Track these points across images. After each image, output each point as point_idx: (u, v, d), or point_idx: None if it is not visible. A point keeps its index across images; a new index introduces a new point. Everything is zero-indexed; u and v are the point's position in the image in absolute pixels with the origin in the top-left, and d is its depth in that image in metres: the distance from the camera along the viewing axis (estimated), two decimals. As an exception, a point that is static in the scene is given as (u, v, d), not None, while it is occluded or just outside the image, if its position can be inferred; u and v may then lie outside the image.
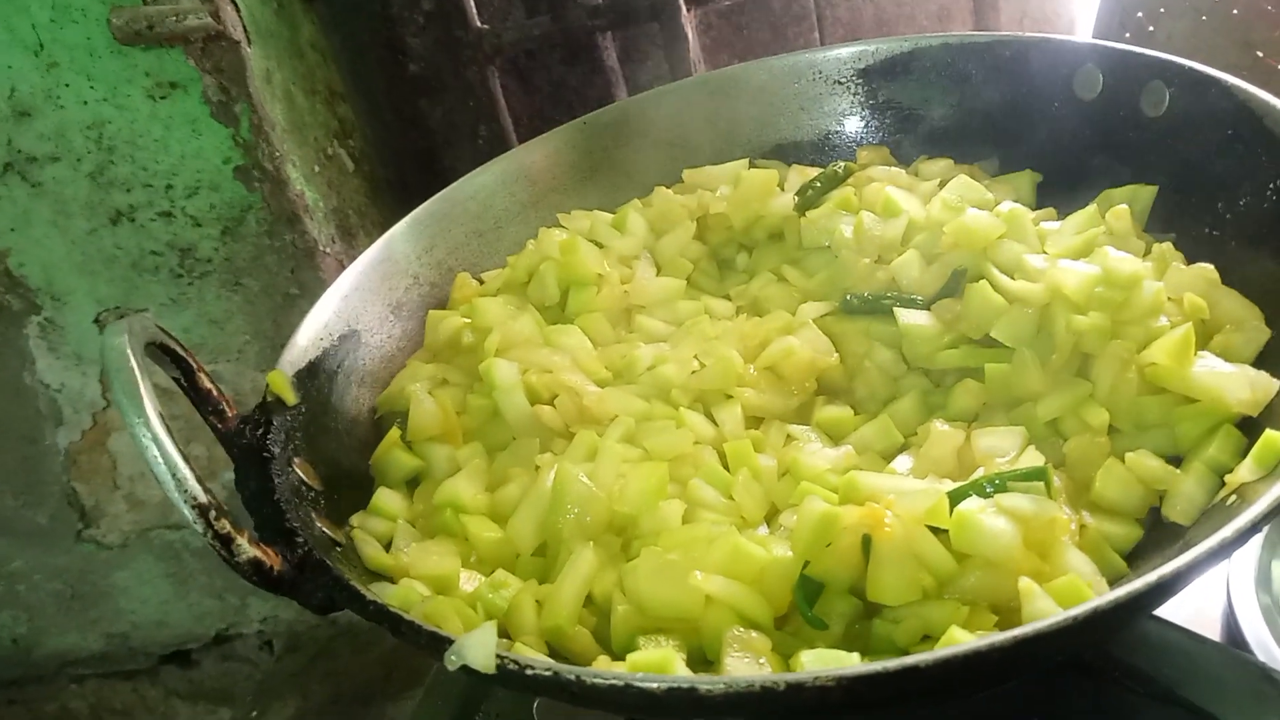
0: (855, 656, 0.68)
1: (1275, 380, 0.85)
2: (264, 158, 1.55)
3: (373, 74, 1.78)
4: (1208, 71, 1.03)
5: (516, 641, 0.80)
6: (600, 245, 1.21)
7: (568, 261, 1.15)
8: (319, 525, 0.86)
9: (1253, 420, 0.85)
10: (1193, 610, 0.95)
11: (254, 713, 1.81)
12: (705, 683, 0.62)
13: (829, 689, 0.61)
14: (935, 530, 0.79)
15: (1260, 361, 0.90)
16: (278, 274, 1.62)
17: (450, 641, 0.69)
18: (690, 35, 1.71)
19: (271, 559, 0.77)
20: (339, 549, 0.86)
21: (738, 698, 0.62)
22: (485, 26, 1.74)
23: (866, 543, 0.79)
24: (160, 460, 0.73)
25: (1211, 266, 0.95)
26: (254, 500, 0.87)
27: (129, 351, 0.77)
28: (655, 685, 0.63)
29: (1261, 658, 0.88)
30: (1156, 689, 0.86)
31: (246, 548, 0.75)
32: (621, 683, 0.63)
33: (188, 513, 0.73)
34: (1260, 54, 1.58)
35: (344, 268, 1.16)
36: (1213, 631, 0.96)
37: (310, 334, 1.05)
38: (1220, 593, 0.96)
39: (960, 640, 0.69)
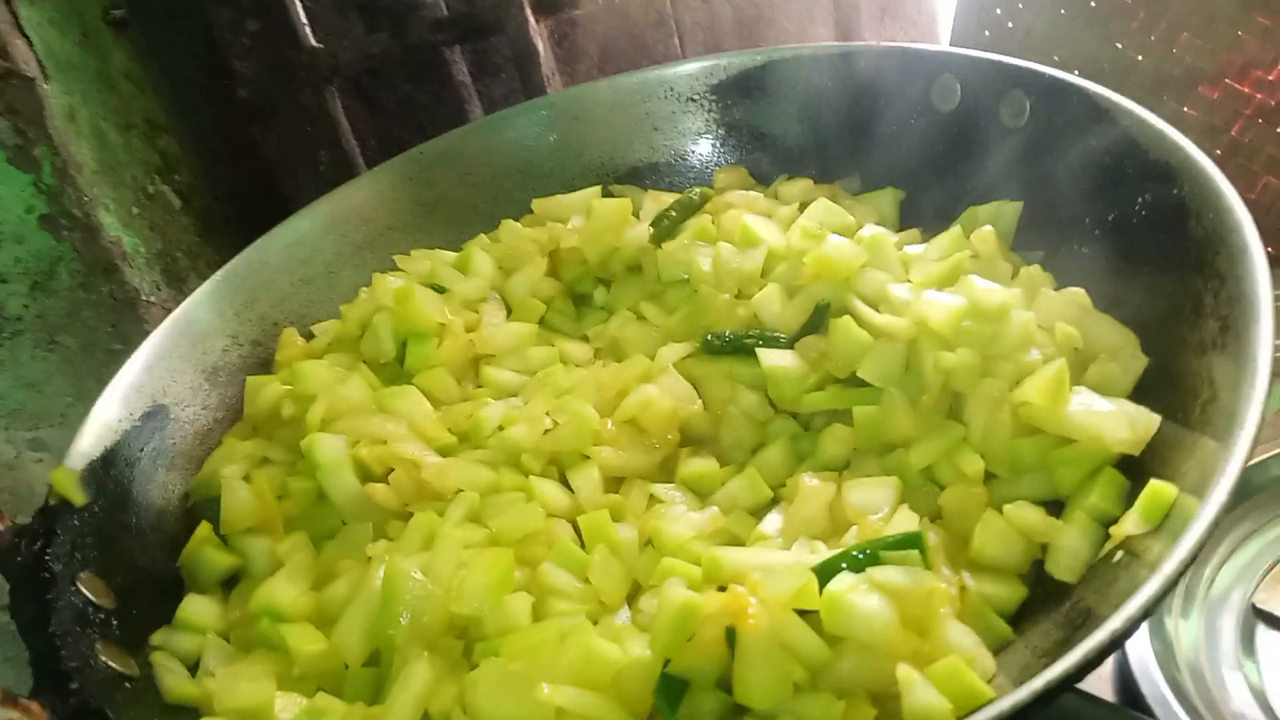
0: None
1: (1155, 416, 0.79)
2: (71, 204, 1.39)
3: (198, 102, 1.64)
4: (1068, 79, 0.98)
5: (341, 780, 0.69)
6: (442, 289, 1.11)
7: (403, 311, 1.04)
8: (104, 659, 0.74)
9: (1133, 459, 0.80)
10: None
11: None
12: None
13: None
14: (803, 612, 0.71)
15: (1138, 392, 0.84)
16: (97, 329, 1.46)
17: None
18: (541, 48, 1.61)
19: (35, 717, 0.65)
20: (130, 685, 0.74)
21: None
22: (319, 45, 1.61)
23: (730, 634, 0.70)
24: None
25: (1082, 291, 0.90)
26: (29, 631, 0.75)
27: None
28: None
29: (1161, 715, 0.83)
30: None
31: (-1, 710, 0.63)
32: None
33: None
34: (1119, 45, 1.56)
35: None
36: (1104, 688, 0.90)
37: (105, 418, 0.93)
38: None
39: (836, 753, 0.61)
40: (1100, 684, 0.89)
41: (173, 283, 1.53)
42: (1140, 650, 0.86)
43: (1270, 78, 1.46)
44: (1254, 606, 0.93)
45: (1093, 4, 1.55)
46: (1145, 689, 0.83)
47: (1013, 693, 0.59)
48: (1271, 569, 0.97)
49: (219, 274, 1.10)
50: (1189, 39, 1.53)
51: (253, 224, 1.54)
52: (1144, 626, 0.89)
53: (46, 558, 0.79)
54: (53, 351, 1.49)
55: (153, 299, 1.48)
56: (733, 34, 1.76)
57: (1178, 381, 0.81)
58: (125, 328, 1.48)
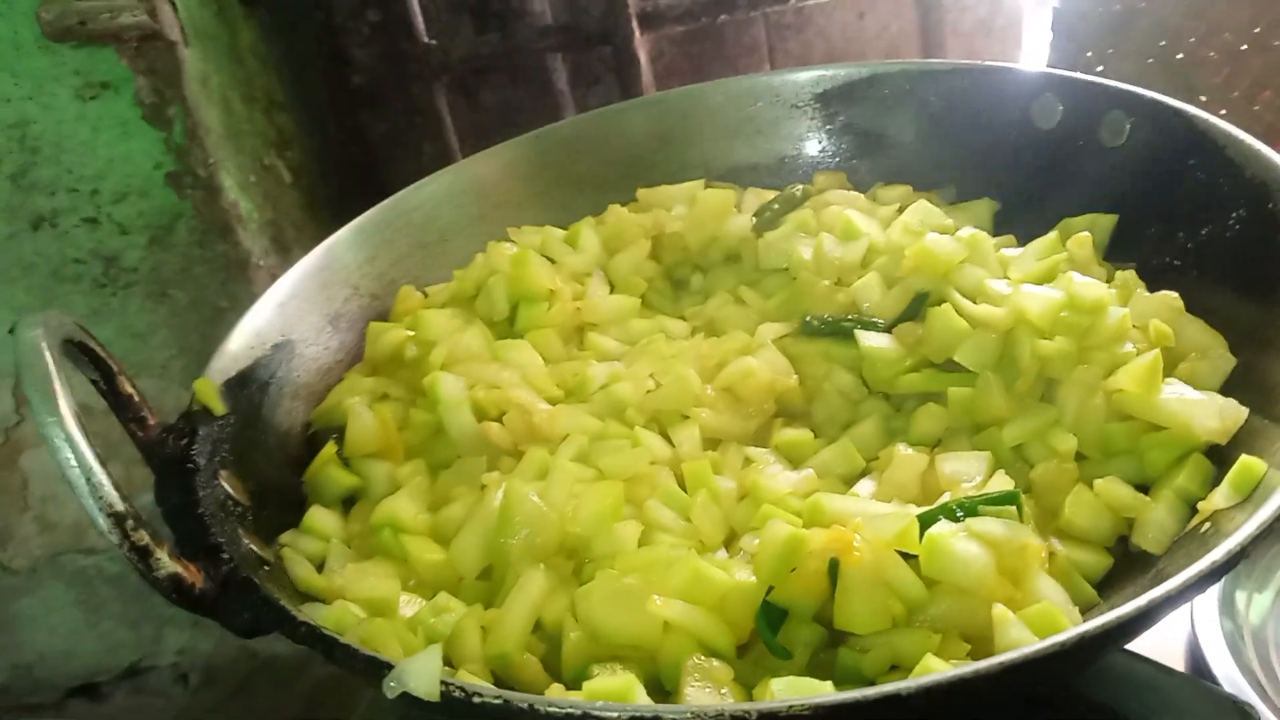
0: (828, 685, 0.64)
1: (1243, 408, 0.84)
2: (197, 164, 1.48)
3: (314, 85, 1.73)
4: (1169, 102, 1.03)
5: (460, 670, 0.74)
6: (552, 261, 1.17)
7: (518, 275, 1.11)
8: (246, 541, 0.80)
9: (1220, 449, 0.84)
10: (1155, 640, 0.92)
11: (165, 751, 1.70)
12: (671, 712, 0.57)
13: (803, 718, 0.57)
14: (904, 556, 0.75)
15: (1225, 391, 0.88)
16: (207, 286, 1.54)
17: (390, 666, 0.63)
18: (642, 60, 1.69)
19: (193, 575, 0.71)
20: (266, 568, 0.80)
21: (705, 728, 0.57)
22: (433, 41, 1.70)
23: (832, 568, 0.75)
24: (74, 463, 0.66)
25: (1175, 294, 0.94)
26: (175, 515, 0.81)
27: (43, 345, 0.71)
28: (616, 715, 0.58)
29: (1227, 688, 0.86)
30: (1123, 724, 0.83)
31: (167, 562, 0.69)
32: (579, 712, 0.58)
33: (102, 521, 0.66)
34: (1203, 99, 1.61)
35: (277, 281, 1.10)
36: (1176, 661, 0.93)
37: (242, 341, 1.00)
38: (1184, 621, 0.94)
39: (936, 669, 0.66)
40: (1172, 658, 0.92)
41: (279, 250, 1.61)
42: (1209, 624, 0.90)
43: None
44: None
45: (1179, 57, 1.61)
46: (1213, 663, 0.87)
47: (1085, 623, 0.62)
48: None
49: (348, 228, 1.17)
50: (1270, 97, 1.58)
51: (354, 205, 1.62)
52: (1216, 607, 0.92)
53: (192, 452, 0.85)
54: (162, 304, 1.57)
55: (261, 263, 1.56)
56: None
57: (1265, 380, 0.86)
58: (233, 287, 1.55)
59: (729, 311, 1.12)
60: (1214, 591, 0.94)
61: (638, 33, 1.67)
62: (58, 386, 0.69)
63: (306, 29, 1.69)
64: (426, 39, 1.70)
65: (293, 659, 1.71)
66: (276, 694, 1.70)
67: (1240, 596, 0.94)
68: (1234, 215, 0.95)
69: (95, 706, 1.83)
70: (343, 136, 1.76)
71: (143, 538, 0.67)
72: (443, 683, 0.62)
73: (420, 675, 0.62)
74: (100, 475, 0.67)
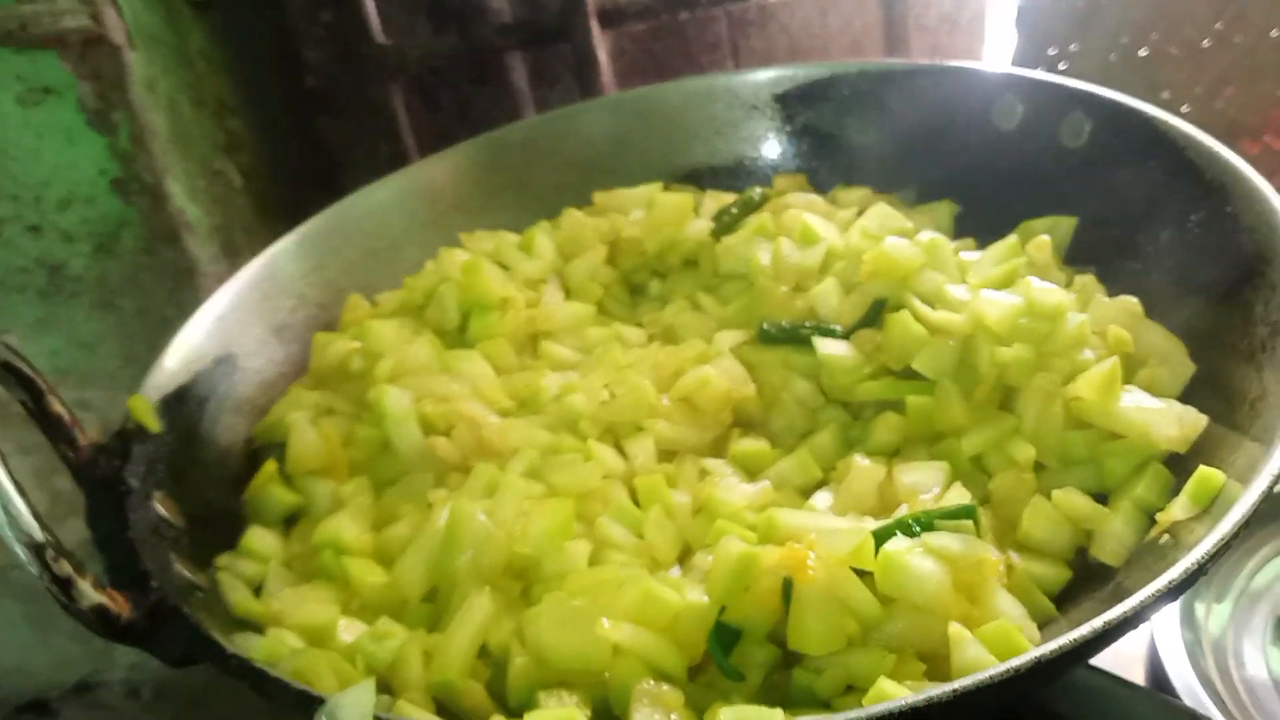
0: (778, 713, 0.62)
1: (1202, 416, 0.82)
2: (143, 170, 1.44)
3: (267, 87, 1.69)
4: (1129, 103, 1.02)
5: (401, 698, 0.71)
6: (505, 267, 1.15)
7: (469, 283, 1.08)
8: (178, 568, 0.77)
9: (1180, 457, 0.82)
10: (1115, 650, 0.91)
11: (119, 769, 1.66)
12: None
13: (749, 752, 0.55)
14: (859, 573, 0.73)
15: (1185, 397, 0.87)
16: (154, 294, 1.50)
17: (321, 701, 0.61)
18: (602, 58, 1.66)
19: (120, 606, 0.68)
20: (200, 594, 0.77)
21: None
22: (389, 42, 1.67)
23: (786, 586, 0.73)
24: (-12, 493, 0.63)
25: (1135, 299, 0.93)
26: (106, 539, 0.78)
27: (-43, 369, 0.68)
28: (555, 750, 0.56)
29: (1187, 701, 0.85)
30: (1083, 738, 0.82)
31: (89, 593, 0.66)
32: (517, 748, 0.56)
33: (20, 552, 0.63)
34: (1166, 95, 1.60)
35: (227, 288, 1.07)
36: (1136, 673, 0.92)
37: (180, 356, 0.97)
38: (1144, 632, 0.93)
39: (890, 693, 0.64)
40: (1132, 669, 0.91)
41: (229, 256, 1.57)
42: (1169, 637, 0.89)
43: (1308, 137, 1.50)
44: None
45: (1142, 53, 1.60)
46: (1172, 673, 0.86)
47: (1042, 645, 0.61)
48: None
49: (292, 236, 1.14)
50: (1233, 94, 1.58)
51: (306, 209, 1.59)
52: (1176, 617, 0.91)
53: (124, 473, 0.82)
54: (109, 313, 1.53)
55: (209, 270, 1.52)
56: (786, 61, 1.81)
57: (1224, 386, 0.84)
58: (181, 295, 1.51)
59: (686, 318, 1.10)
60: (1174, 603, 0.93)
61: (597, 30, 1.64)
62: (-29, 412, 0.66)
63: (259, 31, 1.65)
64: (382, 39, 1.67)
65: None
66: (229, 709, 1.66)
67: (1200, 607, 0.93)
68: (1193, 218, 0.94)
69: (47, 724, 1.78)
70: (296, 140, 1.72)
71: (64, 568, 0.64)
72: (376, 717, 0.59)
73: (352, 709, 0.60)
74: (18, 504, 0.64)
